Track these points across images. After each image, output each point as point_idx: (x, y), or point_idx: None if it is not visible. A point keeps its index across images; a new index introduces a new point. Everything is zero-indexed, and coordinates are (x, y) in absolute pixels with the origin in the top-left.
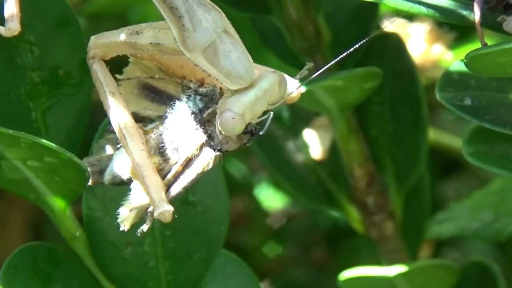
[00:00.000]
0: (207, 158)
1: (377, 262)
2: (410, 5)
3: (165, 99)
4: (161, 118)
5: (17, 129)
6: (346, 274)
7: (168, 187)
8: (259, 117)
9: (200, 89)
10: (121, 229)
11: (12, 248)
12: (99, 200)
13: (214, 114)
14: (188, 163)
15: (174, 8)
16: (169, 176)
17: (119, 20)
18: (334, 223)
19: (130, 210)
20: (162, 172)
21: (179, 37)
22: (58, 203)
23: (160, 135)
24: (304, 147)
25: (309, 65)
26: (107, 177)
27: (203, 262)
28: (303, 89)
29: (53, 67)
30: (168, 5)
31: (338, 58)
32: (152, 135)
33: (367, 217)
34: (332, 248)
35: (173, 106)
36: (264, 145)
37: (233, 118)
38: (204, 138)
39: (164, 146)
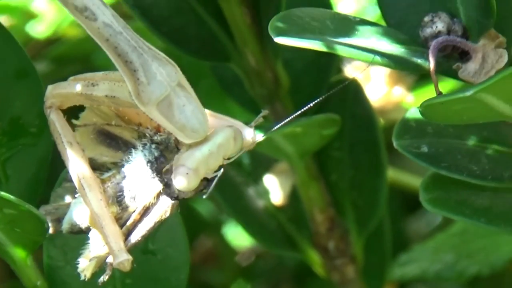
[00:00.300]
0: (165, 206)
1: None
2: (365, 55)
3: (121, 145)
4: (118, 166)
5: None
6: None
7: (126, 235)
8: (215, 171)
9: (155, 137)
10: (81, 278)
11: None
12: (59, 250)
13: (170, 162)
14: (146, 211)
15: (128, 62)
16: (128, 224)
17: (83, 63)
18: (301, 261)
19: (90, 260)
20: (120, 221)
21: (133, 90)
22: (18, 253)
23: (118, 183)
24: (265, 193)
25: (264, 112)
26: (65, 226)
27: None
28: (259, 137)
29: (12, 117)
30: (123, 58)
31: (300, 111)
32: (110, 184)
33: (329, 261)
34: (299, 286)
35: (129, 154)
36: (225, 192)
37: (187, 173)
38: (160, 186)
39: (121, 194)
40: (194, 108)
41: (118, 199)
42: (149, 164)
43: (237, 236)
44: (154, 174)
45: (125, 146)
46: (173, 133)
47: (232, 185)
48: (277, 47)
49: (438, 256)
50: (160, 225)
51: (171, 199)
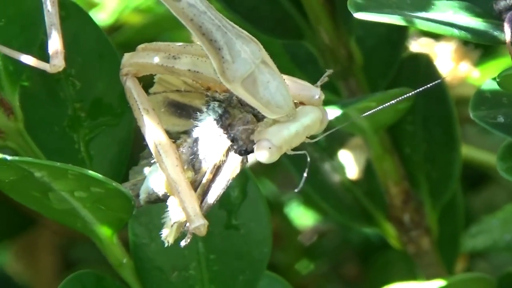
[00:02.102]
0: (234, 162)
1: (410, 276)
2: (443, 28)
3: (191, 113)
4: (188, 132)
5: (62, 161)
6: None
7: (201, 198)
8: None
9: (217, 96)
10: (165, 245)
11: (43, 273)
12: (144, 227)
13: (234, 118)
14: (217, 170)
15: (213, 41)
16: (201, 186)
17: None
18: (365, 238)
19: (171, 226)
20: (194, 184)
21: (218, 68)
22: (105, 231)
23: (189, 147)
24: (340, 168)
25: (329, 71)
26: (142, 196)
27: (248, 284)
28: (323, 96)
29: (95, 99)
30: (208, 37)
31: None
32: (182, 149)
33: (404, 233)
34: (364, 264)
35: (197, 117)
36: (301, 168)
37: (269, 148)
38: (228, 142)
39: (193, 157)
40: (278, 84)
41: (191, 163)
42: (214, 122)
43: (300, 216)
44: (221, 131)
45: (195, 114)
46: (258, 109)
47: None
48: (350, 24)
49: (508, 226)
50: (232, 182)
51: (240, 155)
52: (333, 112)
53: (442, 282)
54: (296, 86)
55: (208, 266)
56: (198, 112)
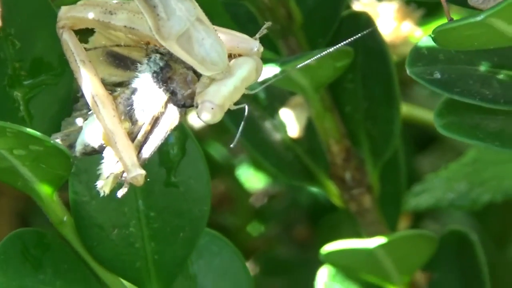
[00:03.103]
0: (173, 115)
1: (357, 236)
2: None
3: (130, 65)
4: (127, 83)
5: (2, 119)
6: (328, 248)
7: (139, 149)
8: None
9: (159, 49)
10: (101, 195)
11: (1, 236)
12: (84, 185)
13: (175, 72)
14: (155, 122)
15: None
16: (139, 137)
17: None
18: (315, 200)
19: (107, 177)
20: (132, 136)
21: (153, 25)
22: (45, 189)
23: (128, 98)
24: (281, 126)
25: (268, 24)
26: (78, 148)
27: (188, 241)
28: (262, 48)
29: (35, 58)
30: None
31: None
32: (120, 100)
33: (346, 191)
34: (314, 225)
35: (137, 69)
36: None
37: (212, 108)
38: (167, 94)
39: (131, 108)
40: (213, 41)
41: (128, 114)
42: (155, 75)
43: (250, 179)
44: (161, 83)
45: (134, 66)
46: (193, 67)
47: (249, 119)
48: None
49: (451, 185)
50: (170, 135)
51: (178, 107)
52: (272, 69)
53: (383, 239)
54: (234, 39)
55: (148, 224)
56: (137, 64)
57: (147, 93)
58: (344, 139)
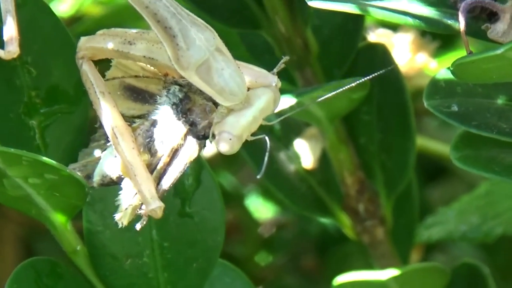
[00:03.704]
0: (192, 147)
1: (368, 267)
2: (397, 16)
3: (148, 98)
4: (145, 116)
5: (17, 147)
6: (340, 279)
7: (158, 181)
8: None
9: (178, 80)
10: (119, 226)
11: (8, 264)
12: (98, 214)
13: (194, 103)
14: (174, 154)
15: (168, 28)
16: (158, 169)
17: None
18: (324, 230)
19: (126, 208)
20: (151, 167)
21: (173, 55)
22: (59, 218)
23: (147, 130)
24: (295, 157)
25: (285, 58)
26: (96, 178)
27: (201, 272)
28: (279, 83)
29: (51, 86)
30: (162, 25)
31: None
32: (139, 132)
33: (359, 223)
34: (323, 255)
35: (155, 101)
36: (256, 156)
37: (230, 139)
38: (186, 126)
39: (150, 140)
40: (232, 72)
41: (148, 146)
42: (174, 106)
43: (259, 208)
44: (180, 115)
45: (152, 99)
46: (212, 97)
47: (263, 150)
48: (306, 14)
49: (464, 217)
50: (189, 167)
51: (198, 139)
52: (288, 101)
53: (396, 271)
54: (252, 73)
55: (161, 254)
56: (157, 96)
57: (167, 125)
58: (358, 171)
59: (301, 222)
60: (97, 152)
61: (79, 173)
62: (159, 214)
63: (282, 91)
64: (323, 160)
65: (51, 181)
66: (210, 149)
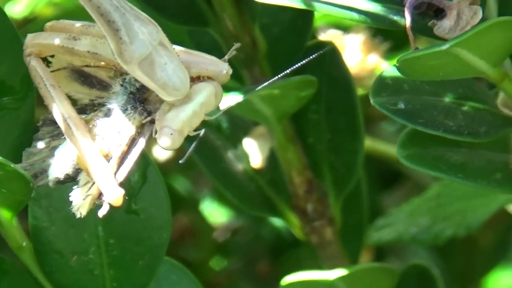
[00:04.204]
0: (149, 135)
1: (318, 269)
2: (343, 12)
3: (95, 83)
4: (99, 104)
5: None
6: (288, 279)
7: (116, 170)
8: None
9: None
10: (77, 216)
11: None
12: (44, 211)
13: (151, 93)
14: (131, 142)
15: (111, 22)
16: (116, 158)
17: None
18: (278, 235)
19: (84, 198)
20: (108, 157)
21: (116, 49)
22: (4, 214)
23: (102, 121)
24: (244, 156)
25: (237, 45)
26: (51, 177)
27: (147, 269)
28: (231, 70)
29: None
30: (106, 18)
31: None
32: (94, 123)
33: (307, 223)
34: (277, 260)
35: (109, 90)
36: (204, 155)
37: (171, 134)
38: (144, 115)
39: (107, 130)
40: (175, 67)
41: (103, 136)
42: (131, 95)
43: (214, 213)
44: (137, 104)
45: (100, 84)
46: (155, 91)
47: (211, 149)
48: (254, 11)
49: (414, 219)
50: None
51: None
52: (235, 98)
53: (344, 271)
54: (203, 61)
55: (107, 251)
56: (105, 83)
57: (125, 114)
58: (306, 171)
59: (255, 226)
60: (42, 151)
61: (26, 172)
62: (119, 201)
63: (230, 89)
64: (272, 159)
65: None
66: (165, 153)
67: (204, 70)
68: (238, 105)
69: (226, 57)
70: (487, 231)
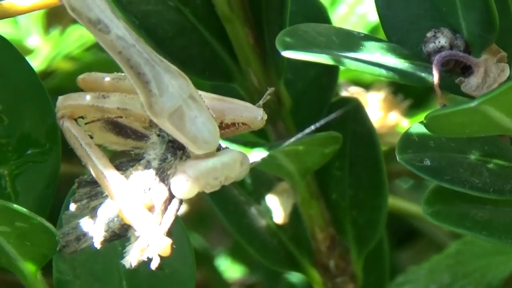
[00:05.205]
0: None
1: None
2: (371, 68)
3: (130, 134)
4: (136, 156)
5: None
6: None
7: (161, 219)
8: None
9: None
10: (127, 267)
11: None
12: (68, 264)
13: None
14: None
15: (141, 74)
16: (160, 208)
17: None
18: None
19: (133, 250)
20: (152, 208)
21: (146, 102)
22: (29, 267)
23: (142, 174)
24: (267, 212)
25: (271, 89)
26: (97, 237)
27: None
28: (265, 116)
29: (22, 134)
30: (136, 70)
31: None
32: (135, 177)
33: (329, 279)
34: None
35: (145, 139)
36: (227, 210)
37: (186, 181)
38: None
39: (149, 182)
40: (205, 120)
41: (146, 189)
42: (170, 144)
43: (228, 269)
44: (177, 151)
45: (135, 134)
46: (185, 145)
47: (234, 204)
48: (280, 67)
49: (434, 276)
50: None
51: None
52: (260, 154)
53: None
54: (238, 107)
55: None
56: (140, 133)
57: (165, 163)
58: (329, 227)
59: (270, 282)
60: (83, 213)
61: (69, 237)
62: (168, 250)
63: (254, 144)
64: (294, 215)
65: (21, 229)
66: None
67: (239, 117)
68: (262, 160)
69: (261, 102)
70: None
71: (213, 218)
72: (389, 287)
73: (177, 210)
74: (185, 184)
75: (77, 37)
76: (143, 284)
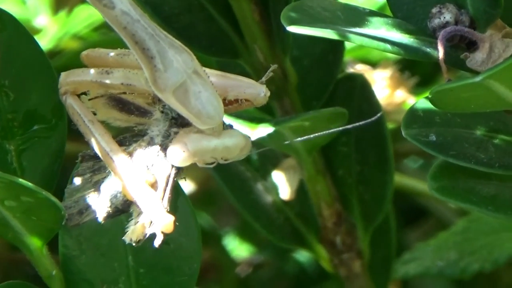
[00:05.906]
0: None
1: None
2: (376, 43)
3: (133, 110)
4: (139, 132)
5: None
6: None
7: (163, 196)
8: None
9: None
10: (127, 243)
11: None
12: (74, 240)
13: None
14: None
15: (146, 49)
16: (163, 185)
17: None
18: (301, 270)
19: (135, 226)
20: (154, 185)
21: (150, 77)
22: (35, 242)
23: (145, 150)
24: (273, 188)
25: (274, 66)
26: (101, 212)
27: None
28: (268, 92)
29: (28, 110)
30: (140, 46)
31: None
32: (138, 153)
33: (336, 256)
34: None
35: (149, 116)
36: (234, 186)
37: (183, 151)
38: None
39: (151, 159)
40: (209, 95)
41: (148, 165)
42: (173, 121)
43: (236, 249)
44: (180, 128)
45: (138, 111)
46: (189, 119)
47: (240, 180)
48: (285, 44)
49: (441, 254)
50: None
51: None
52: (266, 130)
53: None
54: (241, 84)
55: (137, 280)
56: (143, 109)
57: (168, 140)
58: (335, 203)
59: (278, 261)
60: (85, 186)
61: (71, 210)
62: (171, 227)
63: (260, 120)
64: (301, 191)
65: (27, 204)
66: (187, 188)
67: (242, 93)
68: (269, 136)
69: (263, 79)
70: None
71: (221, 198)
72: (396, 264)
73: (174, 177)
74: (181, 154)
75: (85, 17)
76: (149, 259)
